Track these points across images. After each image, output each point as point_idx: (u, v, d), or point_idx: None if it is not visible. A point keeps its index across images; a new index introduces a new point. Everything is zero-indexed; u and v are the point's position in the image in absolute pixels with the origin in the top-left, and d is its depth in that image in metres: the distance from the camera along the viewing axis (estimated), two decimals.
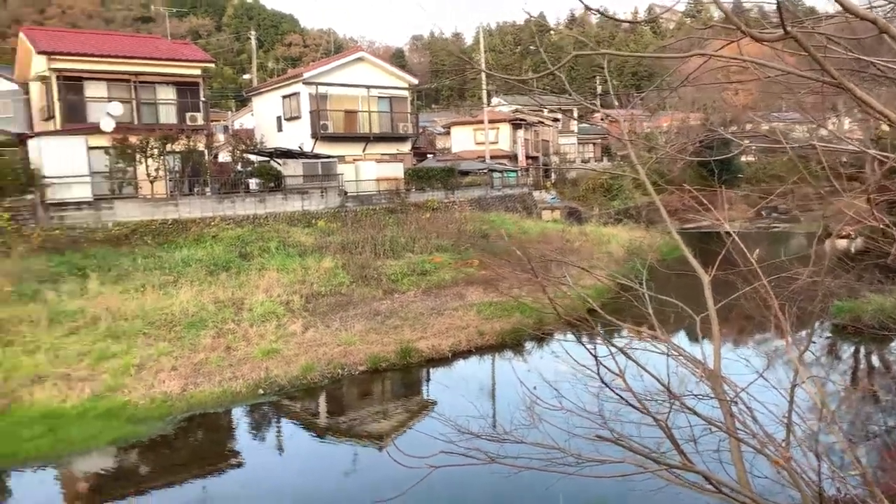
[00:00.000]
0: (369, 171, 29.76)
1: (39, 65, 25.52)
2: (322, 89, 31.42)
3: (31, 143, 22.17)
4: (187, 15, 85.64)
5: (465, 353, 16.69)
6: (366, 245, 23.76)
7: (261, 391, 13.93)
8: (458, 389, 13.66)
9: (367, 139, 32.64)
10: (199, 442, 12.62)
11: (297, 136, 31.51)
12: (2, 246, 19.52)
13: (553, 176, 48.68)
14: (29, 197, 20.73)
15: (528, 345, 17.66)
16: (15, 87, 30.46)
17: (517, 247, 5.86)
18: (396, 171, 30.42)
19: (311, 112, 31.13)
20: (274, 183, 26.81)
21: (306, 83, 31.24)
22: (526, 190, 38.99)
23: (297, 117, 32.05)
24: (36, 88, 27.11)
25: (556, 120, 53.67)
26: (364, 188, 29.18)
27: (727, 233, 5.01)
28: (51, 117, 25.47)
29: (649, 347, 4.86)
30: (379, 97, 33.29)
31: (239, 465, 11.63)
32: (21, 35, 27.26)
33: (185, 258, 20.50)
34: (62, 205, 21.33)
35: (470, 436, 4.46)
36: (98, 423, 12.02)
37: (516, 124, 47.67)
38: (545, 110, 49.72)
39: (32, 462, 11.16)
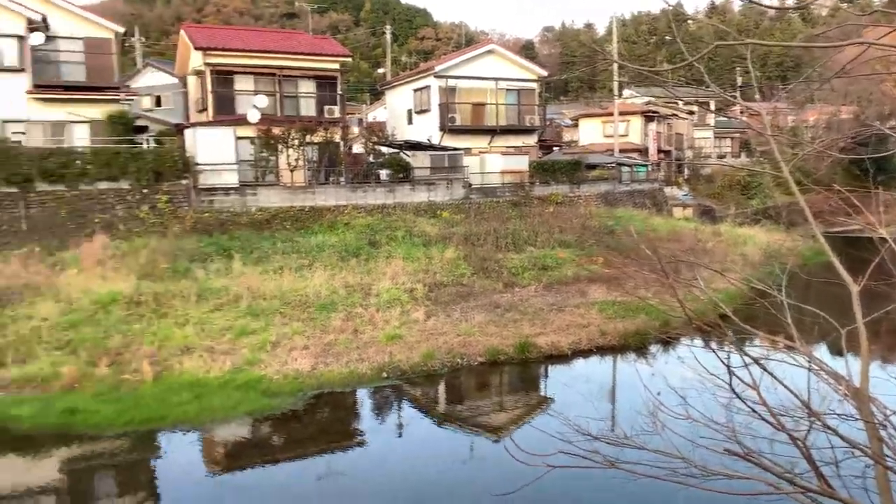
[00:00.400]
0: (494, 163, 29.87)
1: (196, 60, 27.69)
2: (451, 82, 31.86)
3: (187, 133, 24.13)
4: (328, 11, 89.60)
5: (585, 352, 16.43)
6: (488, 237, 23.91)
7: (384, 375, 14.47)
8: (577, 388, 13.49)
9: (493, 132, 32.75)
10: (326, 419, 13.31)
11: (426, 128, 32.17)
12: (160, 226, 21.50)
13: (686, 171, 46.59)
14: (184, 182, 22.61)
15: (653, 348, 17.09)
16: (175, 80, 33.31)
17: (646, 245, 5.70)
18: (521, 163, 30.32)
19: (439, 105, 31.67)
20: (402, 174, 27.61)
21: (437, 76, 31.78)
22: (656, 185, 37.61)
23: (427, 110, 32.70)
24: (192, 82, 29.46)
25: (691, 113, 51.24)
26: (488, 180, 29.35)
27: (882, 239, 4.61)
28: (204, 109, 27.58)
29: (786, 359, 4.59)
30: (507, 90, 33.28)
31: (362, 444, 12.17)
32: (182, 32, 29.67)
33: (320, 244, 21.58)
34: (212, 190, 23.10)
35: (588, 437, 4.42)
36: (237, 394, 13.00)
37: (648, 116, 45.98)
38: (680, 102, 47.64)
39: (180, 425, 12.27)
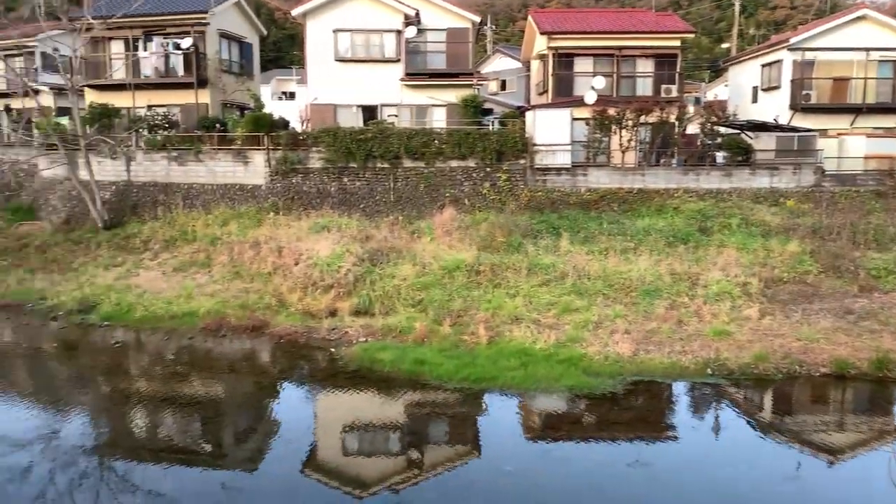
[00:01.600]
0: (857, 146, 25.95)
1: (541, 44, 29.10)
2: (809, 55, 28.37)
3: (528, 115, 25.61)
4: None
5: None
6: (842, 231, 21.04)
7: (709, 371, 13.90)
8: None
9: (857, 110, 28.40)
10: (642, 407, 13.32)
11: (773, 107, 29.28)
12: (498, 202, 23.39)
13: None
14: (522, 162, 24.15)
15: None
16: (519, 65, 35.43)
17: None
18: (892, 147, 25.82)
19: (792, 81, 28.48)
20: (742, 157, 25.63)
21: (791, 49, 28.58)
22: None
23: (776, 87, 29.68)
24: (535, 66, 31.05)
25: None
26: (847, 166, 25.64)
27: None
28: (545, 91, 28.94)
29: None
30: (880, 61, 28.49)
31: (675, 439, 11.93)
32: (529, 18, 31.37)
33: (646, 227, 21.33)
34: (546, 170, 24.28)
35: None
36: (559, 368, 13.73)
37: None
38: None
39: (506, 389, 13.41)
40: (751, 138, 26.60)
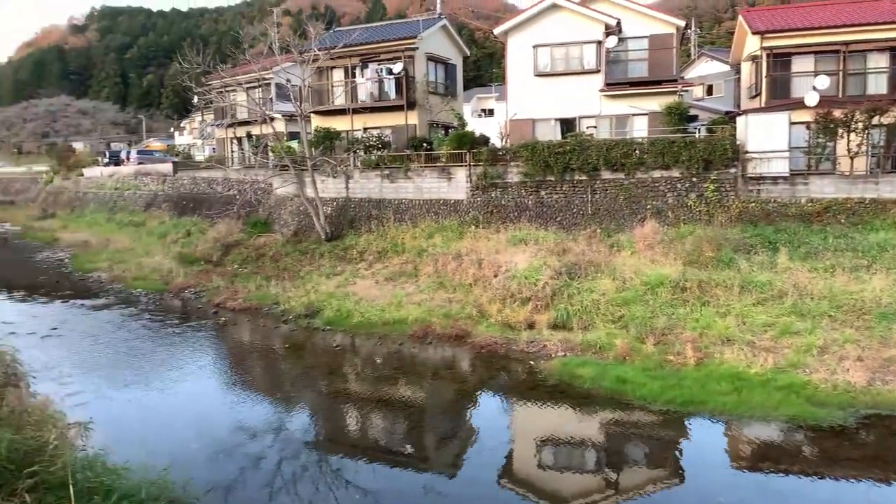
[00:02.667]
0: None
1: (752, 45, 27.17)
2: None
3: (739, 120, 23.98)
4: None
5: None
6: None
7: None
8: None
9: None
10: (877, 444, 11.85)
11: None
12: (705, 214, 22.17)
13: None
14: (732, 170, 22.67)
15: None
16: (726, 68, 33.37)
17: None
18: None
19: None
20: None
21: None
22: None
23: None
24: (746, 68, 29.01)
25: None
26: None
27: None
28: (757, 94, 26.93)
29: None
30: None
31: None
32: (739, 18, 29.43)
33: (882, 242, 18.97)
34: (759, 179, 22.55)
35: None
36: (778, 395, 12.70)
37: None
38: None
39: (716, 415, 12.67)
40: None
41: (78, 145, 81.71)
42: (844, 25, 25.12)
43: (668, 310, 16.73)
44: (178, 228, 33.77)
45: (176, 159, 49.66)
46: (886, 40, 24.74)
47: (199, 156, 56.95)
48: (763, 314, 15.95)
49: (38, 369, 14.92)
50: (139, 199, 42.31)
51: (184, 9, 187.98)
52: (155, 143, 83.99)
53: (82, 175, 54.35)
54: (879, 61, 25.05)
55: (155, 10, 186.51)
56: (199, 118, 64.23)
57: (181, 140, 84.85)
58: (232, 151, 43.34)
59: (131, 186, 44.38)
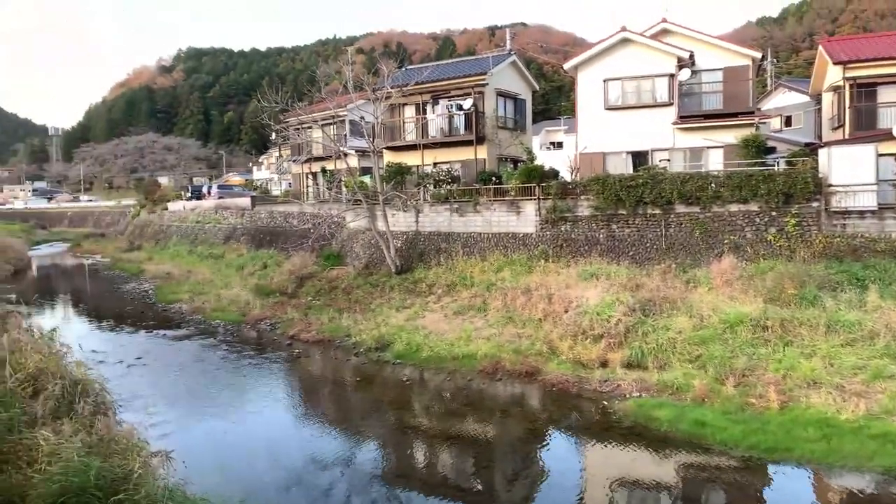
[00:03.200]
0: None
1: (834, 75, 26.29)
2: None
3: (821, 153, 23.08)
4: None
5: None
6: None
7: None
8: None
9: None
10: None
11: None
12: (786, 250, 21.34)
13: None
14: (815, 204, 21.79)
15: None
16: (805, 99, 32.31)
17: None
18: None
19: None
20: None
21: None
22: None
23: None
24: (828, 98, 28.05)
25: None
26: None
27: None
28: (840, 126, 25.96)
29: None
30: None
31: None
32: (819, 48, 28.56)
33: None
34: (845, 213, 21.57)
35: None
36: (872, 444, 11.93)
37: None
38: None
39: (803, 463, 12.00)
40: None
41: (163, 180, 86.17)
42: None
43: (749, 349, 16.07)
44: (255, 261, 34.92)
45: (254, 194, 51.62)
46: None
47: (276, 190, 59.03)
48: (852, 356, 15.10)
49: (124, 397, 15.60)
50: (219, 231, 44.07)
51: (262, 48, 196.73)
52: (234, 178, 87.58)
53: (167, 209, 57.14)
54: None
55: (236, 50, 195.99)
56: (277, 154, 66.74)
57: (259, 175, 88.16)
58: (307, 186, 44.73)
59: (212, 220, 46.31)
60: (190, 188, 64.95)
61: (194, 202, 54.67)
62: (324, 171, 39.72)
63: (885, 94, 24.89)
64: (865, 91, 25.05)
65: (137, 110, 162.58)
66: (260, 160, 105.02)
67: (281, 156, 57.88)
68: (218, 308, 27.91)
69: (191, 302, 29.70)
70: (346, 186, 31.77)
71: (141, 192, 71.71)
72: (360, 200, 28.85)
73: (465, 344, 19.68)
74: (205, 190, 60.48)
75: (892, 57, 24.62)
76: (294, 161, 45.82)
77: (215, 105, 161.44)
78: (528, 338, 19.50)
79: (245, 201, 45.49)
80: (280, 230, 38.16)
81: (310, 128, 40.19)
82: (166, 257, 45.34)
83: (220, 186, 62.75)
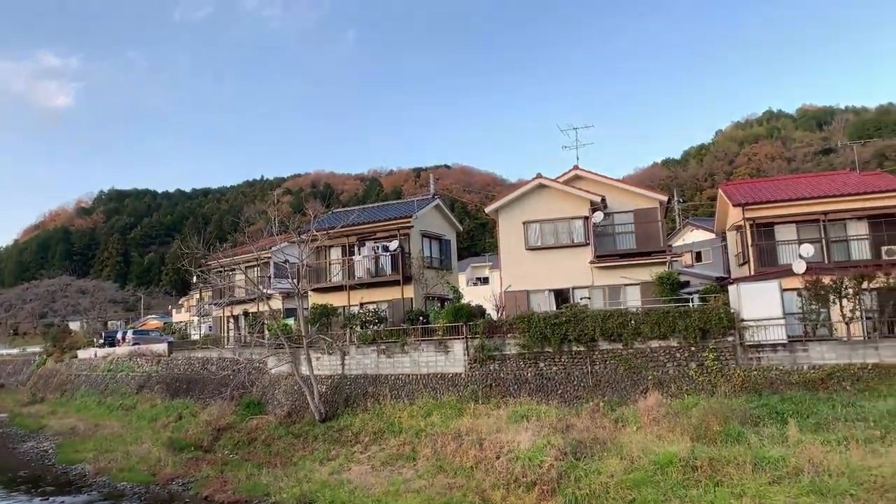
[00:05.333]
0: None
1: (735, 215, 28.32)
2: None
3: (731, 289, 24.30)
4: (871, 139, 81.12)
5: None
6: None
7: None
8: None
9: None
10: None
11: None
12: (708, 385, 21.78)
13: None
14: (730, 339, 22.62)
15: None
16: (712, 235, 34.51)
17: None
18: None
19: None
20: None
21: None
22: None
23: None
24: (732, 236, 30.06)
25: None
26: None
27: None
28: (745, 262, 27.62)
29: None
30: None
31: None
32: (720, 191, 30.95)
33: (892, 410, 18.39)
34: (758, 346, 22.43)
35: None
36: None
37: None
38: None
39: None
40: None
41: (75, 325, 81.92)
42: (819, 197, 26.41)
43: (681, 492, 15.78)
44: (170, 411, 32.85)
45: (171, 339, 49.54)
46: (861, 209, 25.86)
47: (196, 334, 56.91)
48: (781, 494, 15.01)
49: None
50: (132, 380, 41.56)
51: (188, 189, 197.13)
52: (153, 321, 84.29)
53: (76, 356, 53.83)
54: (859, 229, 26.03)
55: (160, 191, 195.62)
56: (198, 296, 65.12)
57: (179, 317, 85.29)
58: (229, 330, 43.38)
59: (125, 367, 43.79)
60: (103, 334, 61.78)
61: (107, 349, 51.80)
62: (246, 313, 38.81)
63: (782, 233, 26.87)
64: (765, 230, 26.98)
65: (51, 253, 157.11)
66: (180, 302, 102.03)
67: (202, 298, 56.44)
68: (126, 467, 25.66)
69: (96, 461, 27.22)
70: (269, 329, 30.96)
71: (49, 338, 67.68)
72: (282, 344, 28.03)
73: (394, 499, 18.57)
74: (119, 335, 57.59)
75: (784, 200, 26.83)
76: (215, 304, 44.66)
77: (136, 246, 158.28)
78: (460, 488, 18.61)
79: (162, 347, 43.48)
80: (198, 377, 36.33)
81: (232, 270, 39.61)
82: (72, 410, 42.03)
83: (135, 332, 59.98)
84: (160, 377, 39.37)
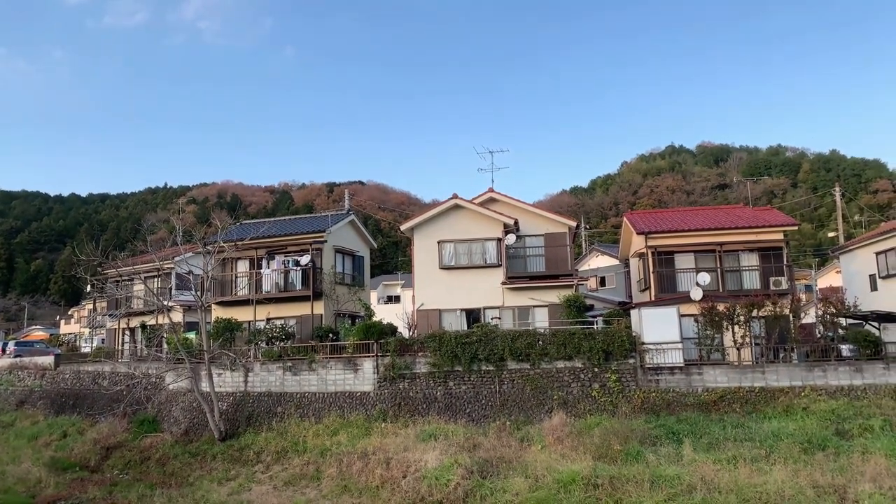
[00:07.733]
0: None
1: (638, 243, 29.61)
2: None
3: (633, 313, 25.37)
4: (762, 177, 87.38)
5: None
6: None
7: None
8: None
9: None
10: None
11: None
12: (610, 405, 22.51)
13: None
14: (631, 361, 23.53)
15: None
16: (616, 262, 35.90)
17: None
18: None
19: None
20: (871, 350, 23.92)
21: None
22: None
23: None
24: (635, 263, 31.36)
25: None
26: None
27: None
28: (647, 288, 28.88)
29: None
30: None
31: None
32: (625, 220, 32.31)
33: (775, 431, 19.66)
34: (657, 369, 23.46)
35: None
36: None
37: None
38: None
39: None
40: (878, 329, 25.02)
41: None
42: (715, 228, 28.00)
43: None
44: (54, 429, 30.59)
45: (59, 351, 46.33)
46: (752, 241, 27.67)
47: (87, 347, 53.49)
48: None
49: None
50: (11, 396, 38.45)
51: (83, 194, 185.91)
52: (38, 333, 78.66)
53: None
54: (750, 260, 27.80)
55: (52, 194, 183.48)
56: (90, 306, 61.38)
57: (68, 329, 79.96)
58: (124, 343, 41.05)
59: (4, 382, 40.46)
60: None
61: None
62: (144, 326, 36.88)
63: (681, 261, 28.30)
64: (665, 258, 28.33)
65: None
66: (70, 313, 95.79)
67: (95, 309, 53.22)
68: (1, 489, 23.62)
69: None
70: (169, 343, 29.54)
71: None
72: (182, 359, 26.76)
73: None
74: None
75: (683, 230, 28.34)
76: (110, 315, 42.20)
77: (22, 252, 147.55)
78: None
79: (47, 360, 40.51)
80: (88, 393, 34.07)
81: (131, 280, 37.64)
82: None
83: (17, 343, 55.72)
84: (44, 392, 36.66)
